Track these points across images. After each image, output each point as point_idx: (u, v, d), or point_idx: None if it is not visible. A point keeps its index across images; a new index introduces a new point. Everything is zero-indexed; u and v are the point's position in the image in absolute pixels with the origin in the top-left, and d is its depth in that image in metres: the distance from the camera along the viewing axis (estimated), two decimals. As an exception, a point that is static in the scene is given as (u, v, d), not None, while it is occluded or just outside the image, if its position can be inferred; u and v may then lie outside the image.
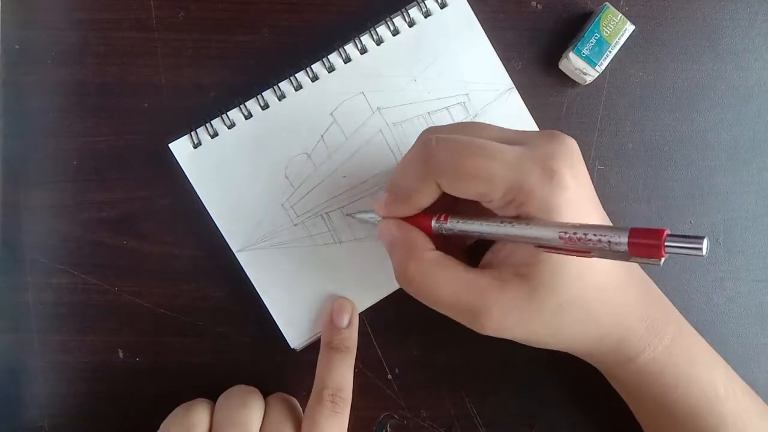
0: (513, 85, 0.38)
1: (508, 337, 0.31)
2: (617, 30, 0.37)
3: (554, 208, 0.29)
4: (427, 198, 0.32)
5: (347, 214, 0.38)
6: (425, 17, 0.38)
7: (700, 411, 0.33)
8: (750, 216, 0.40)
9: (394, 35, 0.38)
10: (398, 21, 0.38)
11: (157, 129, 0.38)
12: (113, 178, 0.39)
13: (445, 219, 0.32)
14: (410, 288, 0.32)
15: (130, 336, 0.39)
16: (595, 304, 0.31)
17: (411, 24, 0.38)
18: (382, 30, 0.38)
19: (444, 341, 0.39)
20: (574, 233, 0.27)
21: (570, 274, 0.29)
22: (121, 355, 0.39)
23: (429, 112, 0.38)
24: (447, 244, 0.33)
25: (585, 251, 0.27)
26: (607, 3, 0.38)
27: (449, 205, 0.32)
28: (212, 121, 0.38)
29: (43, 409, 0.38)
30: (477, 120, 0.38)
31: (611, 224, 0.33)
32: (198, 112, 0.38)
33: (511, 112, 0.38)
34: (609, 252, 0.26)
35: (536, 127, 0.39)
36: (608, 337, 0.32)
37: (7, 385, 0.38)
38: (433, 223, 0.32)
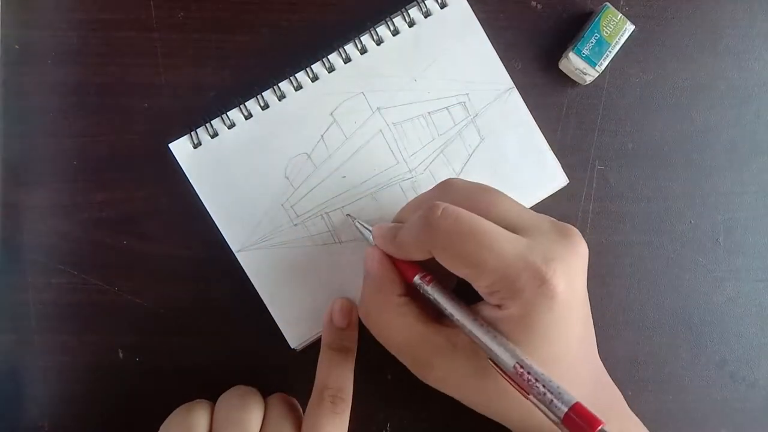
0: (513, 85, 0.38)
1: (446, 393, 0.32)
2: (617, 30, 0.37)
3: (534, 313, 0.29)
4: (418, 256, 0.32)
5: (347, 215, 0.38)
6: (425, 17, 0.38)
7: None
8: (750, 216, 0.40)
9: (394, 35, 0.38)
10: (398, 21, 0.38)
11: (157, 129, 0.38)
12: (113, 178, 0.39)
13: (429, 282, 0.32)
14: (368, 323, 0.34)
15: (130, 336, 0.39)
16: None
17: (411, 24, 0.38)
18: (382, 30, 0.38)
19: (444, 341, 0.39)
20: (528, 373, 0.27)
21: None
22: (121, 355, 0.39)
23: (429, 112, 0.38)
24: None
25: (526, 391, 0.28)
26: (607, 3, 0.38)
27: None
28: (212, 121, 0.38)
29: (43, 409, 0.38)
30: (478, 119, 0.38)
31: (594, 346, 0.34)
32: (198, 112, 0.38)
33: (511, 111, 0.38)
34: (544, 408, 0.27)
35: (536, 126, 0.39)
36: (540, 426, 0.31)
37: (7, 385, 0.38)
38: (416, 278, 0.32)
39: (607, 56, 0.38)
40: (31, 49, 0.39)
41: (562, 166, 0.39)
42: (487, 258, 0.29)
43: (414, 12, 0.38)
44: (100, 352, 0.38)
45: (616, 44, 0.38)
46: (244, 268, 0.37)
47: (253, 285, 0.38)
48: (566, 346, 0.31)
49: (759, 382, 0.40)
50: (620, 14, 0.38)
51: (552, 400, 0.27)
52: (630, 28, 0.38)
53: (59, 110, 0.39)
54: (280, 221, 0.38)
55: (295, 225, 0.38)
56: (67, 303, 0.38)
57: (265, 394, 0.36)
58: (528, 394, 0.28)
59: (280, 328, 0.37)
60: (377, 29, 0.38)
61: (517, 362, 0.28)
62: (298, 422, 0.34)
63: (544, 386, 0.27)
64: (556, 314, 0.29)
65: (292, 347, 0.38)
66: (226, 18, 0.39)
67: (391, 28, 0.38)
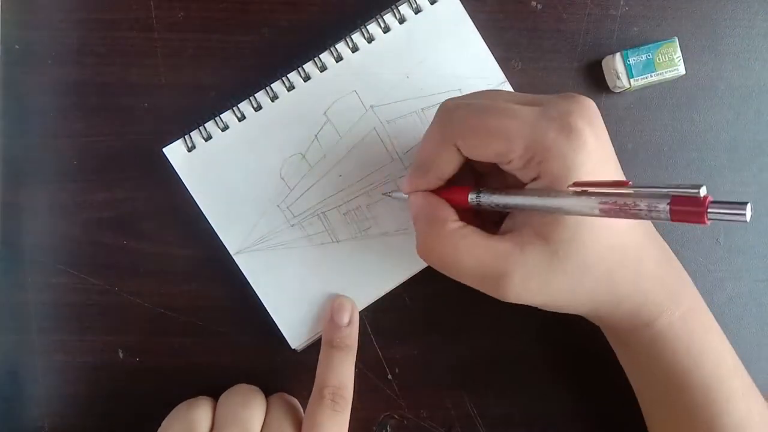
0: (505, 79, 0.38)
1: (528, 302, 0.31)
2: (668, 64, 0.37)
3: (573, 164, 0.29)
4: (447, 166, 0.32)
5: (383, 194, 0.38)
6: (415, 13, 0.38)
7: (711, 382, 0.32)
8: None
9: (385, 32, 0.38)
10: (389, 18, 0.38)
11: (157, 129, 0.38)
12: (113, 178, 0.39)
13: (482, 192, 0.32)
14: (432, 258, 0.32)
15: (130, 336, 0.39)
16: (615, 266, 0.30)
17: (402, 21, 0.38)
18: (373, 27, 0.38)
19: (444, 341, 0.39)
20: (614, 202, 0.26)
21: (590, 234, 0.29)
22: (121, 355, 0.39)
23: (422, 108, 0.38)
24: (475, 218, 0.33)
25: (625, 213, 0.26)
26: (677, 38, 0.38)
27: (475, 182, 0.33)
28: (206, 124, 0.37)
29: (43, 409, 0.38)
30: None
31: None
32: (198, 112, 0.38)
33: None
34: (648, 214, 0.25)
35: None
36: (626, 301, 0.32)
37: (7, 385, 0.38)
38: (471, 196, 0.32)
39: (647, 78, 0.38)
40: (31, 49, 0.39)
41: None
42: (513, 125, 0.29)
43: (404, 8, 0.38)
44: (100, 352, 0.38)
45: (659, 74, 0.38)
46: (242, 270, 0.37)
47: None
48: None
49: (758, 383, 0.40)
50: (680, 54, 0.38)
51: (650, 208, 0.25)
52: (681, 71, 0.38)
53: (59, 110, 0.39)
54: (276, 222, 0.38)
55: (292, 225, 0.38)
56: (67, 303, 0.38)
57: (266, 394, 0.36)
58: (630, 215, 0.26)
59: (280, 329, 0.37)
60: (368, 27, 0.38)
61: (600, 202, 0.27)
62: (298, 422, 0.34)
63: (634, 202, 0.26)
64: (593, 161, 0.29)
65: (292, 348, 0.38)
66: (226, 18, 0.39)
67: (382, 25, 0.38)
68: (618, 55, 0.38)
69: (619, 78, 0.38)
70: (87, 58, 0.39)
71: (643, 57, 0.37)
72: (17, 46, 0.39)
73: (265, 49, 0.39)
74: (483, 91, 0.34)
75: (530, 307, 0.40)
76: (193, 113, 0.38)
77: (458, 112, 0.31)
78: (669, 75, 0.38)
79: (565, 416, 0.39)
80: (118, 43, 0.39)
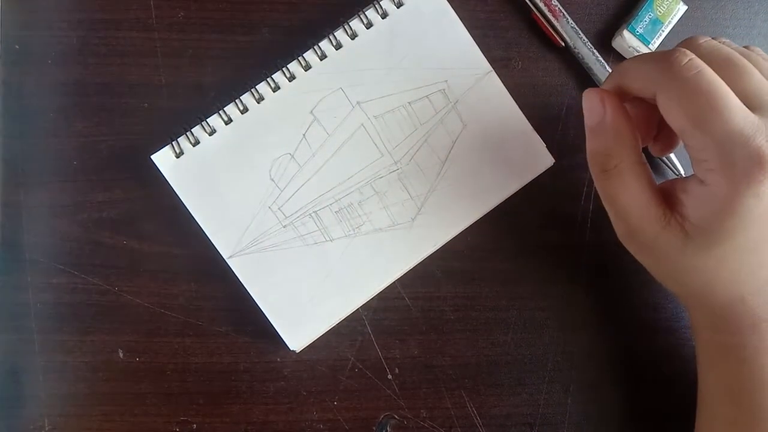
0: (491, 68, 0.38)
1: (639, 259, 0.33)
2: (670, 9, 0.38)
3: (734, 202, 0.28)
4: (637, 87, 0.31)
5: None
6: (397, 7, 0.38)
7: None
8: (750, 216, 0.40)
9: (368, 28, 0.38)
10: (371, 13, 0.38)
11: (157, 129, 0.38)
12: (113, 178, 0.39)
13: None
14: (596, 173, 0.33)
15: (130, 336, 0.39)
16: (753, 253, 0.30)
17: (384, 15, 0.38)
18: (355, 24, 0.38)
19: (444, 341, 0.39)
20: None
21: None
22: (121, 355, 0.39)
23: (409, 102, 0.38)
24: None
25: None
26: None
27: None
28: (192, 129, 0.37)
29: (43, 409, 0.38)
30: (459, 105, 0.38)
31: None
32: (198, 113, 0.38)
33: (492, 95, 0.38)
34: None
35: (518, 108, 0.38)
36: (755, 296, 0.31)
37: (7, 385, 0.38)
38: None
39: (660, 35, 0.38)
40: (31, 49, 0.39)
41: (562, 166, 0.39)
42: (711, 120, 0.28)
43: (386, 3, 0.38)
44: (100, 352, 0.38)
45: (669, 23, 0.38)
46: (236, 274, 0.37)
47: (252, 285, 0.38)
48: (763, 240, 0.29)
49: (759, 383, 0.40)
50: None
51: None
52: (683, 8, 0.38)
53: (59, 110, 0.39)
54: (268, 224, 0.38)
55: (285, 226, 0.38)
56: (67, 303, 0.38)
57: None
58: None
59: (279, 332, 0.37)
60: (350, 23, 0.38)
61: None
62: None
63: None
64: (763, 203, 0.27)
65: (291, 349, 0.38)
66: (226, 18, 0.39)
67: (365, 21, 0.38)
68: (626, 33, 0.38)
69: (638, 51, 0.38)
70: (87, 58, 0.39)
71: (647, 19, 0.38)
72: (17, 46, 0.39)
73: (265, 49, 0.39)
74: (734, 63, 0.30)
75: (529, 306, 0.40)
76: (193, 113, 0.38)
77: (686, 73, 0.29)
78: (676, 18, 0.38)
79: (566, 417, 0.39)
80: (118, 43, 0.39)
